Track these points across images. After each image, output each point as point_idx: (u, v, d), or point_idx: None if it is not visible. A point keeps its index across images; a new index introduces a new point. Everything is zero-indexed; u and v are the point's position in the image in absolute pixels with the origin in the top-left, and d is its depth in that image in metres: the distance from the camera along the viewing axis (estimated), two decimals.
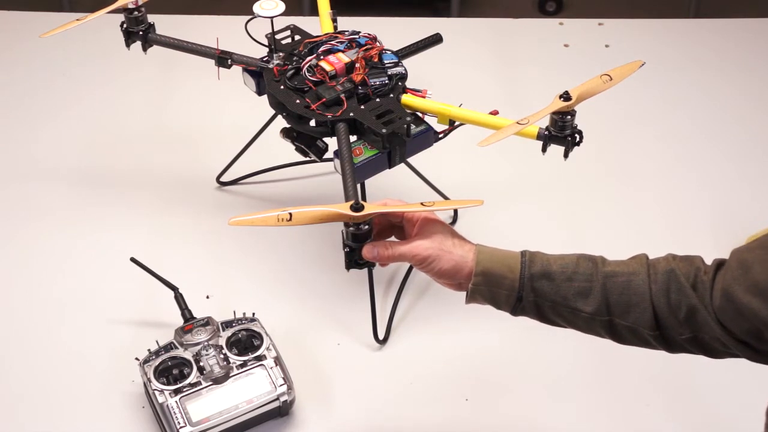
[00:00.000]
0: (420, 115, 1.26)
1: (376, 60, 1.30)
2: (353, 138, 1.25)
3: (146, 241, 1.47)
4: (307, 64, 1.29)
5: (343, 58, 1.29)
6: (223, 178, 1.58)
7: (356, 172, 1.21)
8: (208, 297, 1.38)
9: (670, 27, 2.05)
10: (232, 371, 1.19)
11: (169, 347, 1.21)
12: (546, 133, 1.20)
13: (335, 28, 1.39)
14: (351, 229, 1.07)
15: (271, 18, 1.33)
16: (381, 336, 1.32)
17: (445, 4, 2.96)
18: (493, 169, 1.61)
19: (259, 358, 1.21)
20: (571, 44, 1.93)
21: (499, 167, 1.60)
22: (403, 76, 1.29)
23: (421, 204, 1.08)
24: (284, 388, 1.19)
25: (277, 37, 1.36)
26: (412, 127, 1.22)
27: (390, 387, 1.28)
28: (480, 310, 1.37)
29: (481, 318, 1.36)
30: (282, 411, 1.21)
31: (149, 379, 1.18)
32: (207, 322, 1.24)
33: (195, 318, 1.25)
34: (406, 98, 1.27)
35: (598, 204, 1.57)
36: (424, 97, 1.27)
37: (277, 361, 1.21)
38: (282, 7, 1.33)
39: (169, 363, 1.19)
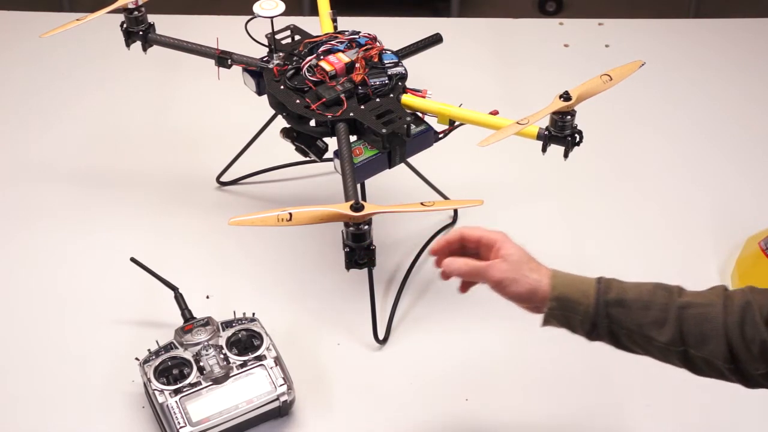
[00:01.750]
0: (420, 115, 1.26)
1: (376, 60, 1.30)
2: (353, 138, 1.25)
3: (146, 241, 1.47)
4: (307, 64, 1.29)
5: (343, 58, 1.29)
6: (223, 178, 1.58)
7: (356, 172, 1.21)
8: (208, 297, 1.38)
9: (670, 27, 2.05)
10: (232, 371, 1.19)
11: (169, 347, 1.21)
12: (546, 133, 1.20)
13: (335, 28, 1.39)
14: (351, 229, 1.07)
15: (271, 18, 1.33)
16: (381, 336, 1.32)
17: (445, 4, 2.96)
18: (493, 169, 1.60)
19: (259, 358, 1.21)
20: (571, 44, 1.93)
21: (499, 167, 1.60)
22: (403, 76, 1.29)
23: (421, 204, 1.08)
24: (284, 388, 1.19)
25: (277, 37, 1.37)
26: (412, 127, 1.22)
27: (390, 387, 1.28)
28: (481, 310, 1.38)
29: (482, 318, 1.36)
30: (282, 411, 1.21)
31: (149, 379, 1.18)
32: (207, 322, 1.24)
33: (195, 318, 1.25)
34: (406, 98, 1.27)
35: (597, 203, 1.57)
36: (424, 97, 1.27)
37: (277, 361, 1.21)
38: (282, 7, 1.33)
39: (169, 363, 1.19)
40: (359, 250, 1.08)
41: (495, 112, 1.23)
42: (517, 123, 1.16)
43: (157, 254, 1.40)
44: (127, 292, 1.39)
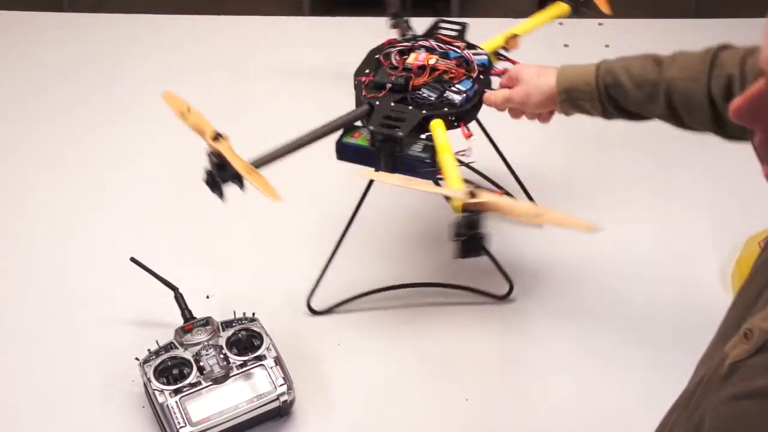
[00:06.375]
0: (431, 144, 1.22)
1: (447, 78, 1.27)
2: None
3: (146, 241, 1.47)
4: (399, 49, 1.31)
5: (427, 60, 1.28)
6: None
7: (342, 147, 1.24)
8: (208, 297, 1.38)
9: (670, 27, 2.04)
10: (232, 371, 1.19)
11: (169, 347, 1.21)
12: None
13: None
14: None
15: None
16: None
17: (445, 4, 2.96)
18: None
19: (259, 358, 1.21)
20: (571, 44, 1.93)
21: (499, 166, 1.60)
22: (455, 108, 1.24)
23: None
24: (284, 388, 1.19)
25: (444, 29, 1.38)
26: (413, 149, 1.21)
27: (390, 387, 1.28)
28: (481, 310, 1.38)
29: (482, 318, 1.36)
30: (282, 411, 1.21)
31: (149, 379, 1.18)
32: (207, 322, 1.24)
33: (195, 318, 1.26)
34: (436, 124, 1.23)
35: (597, 203, 1.57)
36: (469, 136, 1.24)
37: (277, 361, 1.21)
38: None
39: (169, 363, 1.19)
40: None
41: (469, 135, 1.23)
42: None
43: (157, 254, 1.40)
44: (127, 292, 1.39)
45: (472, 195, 1.03)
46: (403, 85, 1.26)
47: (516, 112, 1.28)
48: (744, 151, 1.72)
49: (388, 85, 1.26)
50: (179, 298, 1.29)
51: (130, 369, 1.22)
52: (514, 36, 1.38)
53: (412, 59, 1.29)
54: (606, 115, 1.19)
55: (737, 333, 0.81)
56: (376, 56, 1.32)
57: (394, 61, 1.30)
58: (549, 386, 1.28)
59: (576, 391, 1.27)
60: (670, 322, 1.36)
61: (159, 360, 1.19)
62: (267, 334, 1.23)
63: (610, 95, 1.16)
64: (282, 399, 1.19)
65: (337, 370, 1.29)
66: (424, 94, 1.25)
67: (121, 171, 1.63)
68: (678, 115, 1.13)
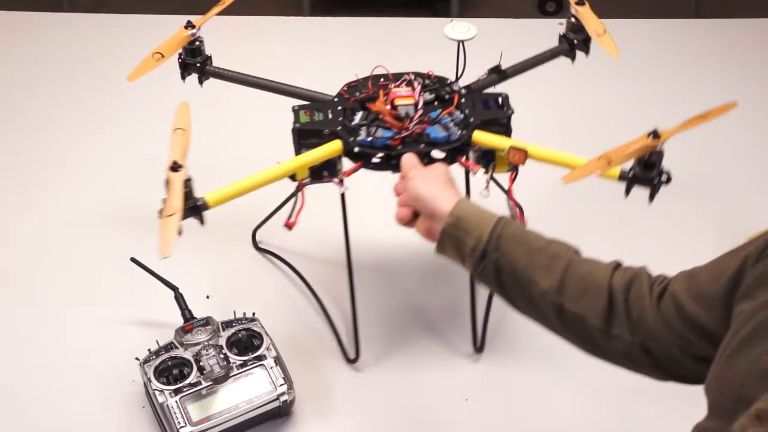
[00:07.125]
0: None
1: (382, 119, 1.22)
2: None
3: (146, 241, 1.47)
4: (406, 82, 1.27)
5: (403, 97, 1.23)
6: None
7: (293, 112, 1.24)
8: (208, 297, 1.38)
9: (670, 27, 2.05)
10: (232, 371, 1.19)
11: (169, 347, 1.21)
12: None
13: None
14: None
15: (460, 42, 1.30)
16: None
17: (445, 4, 2.96)
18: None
19: (259, 358, 1.21)
20: None
21: None
22: (354, 140, 1.20)
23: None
24: (284, 388, 1.19)
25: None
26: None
27: (390, 387, 1.28)
28: (481, 311, 1.38)
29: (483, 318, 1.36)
30: (282, 411, 1.21)
31: (149, 379, 1.18)
32: (207, 322, 1.24)
33: (195, 318, 1.26)
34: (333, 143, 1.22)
35: (598, 205, 1.57)
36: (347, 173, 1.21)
37: (277, 361, 1.21)
38: (474, 31, 1.29)
39: (169, 363, 1.19)
40: None
41: (347, 173, 1.20)
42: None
43: (157, 254, 1.40)
44: (127, 292, 1.39)
45: (173, 169, 1.09)
46: (351, 99, 1.24)
47: (399, 189, 1.11)
48: (744, 151, 1.73)
49: (357, 93, 1.24)
50: (179, 298, 1.29)
51: (130, 369, 1.22)
52: (523, 151, 1.19)
53: (402, 92, 1.23)
54: (477, 268, 1.01)
55: (743, 411, 0.74)
56: (408, 77, 1.28)
57: (396, 86, 1.26)
58: (550, 386, 1.28)
59: (577, 390, 1.27)
60: None
61: (159, 360, 1.19)
62: (267, 334, 1.23)
63: (499, 246, 0.99)
64: (282, 399, 1.19)
65: (337, 371, 1.29)
66: (354, 117, 1.23)
67: (121, 171, 1.63)
68: (566, 297, 0.96)
